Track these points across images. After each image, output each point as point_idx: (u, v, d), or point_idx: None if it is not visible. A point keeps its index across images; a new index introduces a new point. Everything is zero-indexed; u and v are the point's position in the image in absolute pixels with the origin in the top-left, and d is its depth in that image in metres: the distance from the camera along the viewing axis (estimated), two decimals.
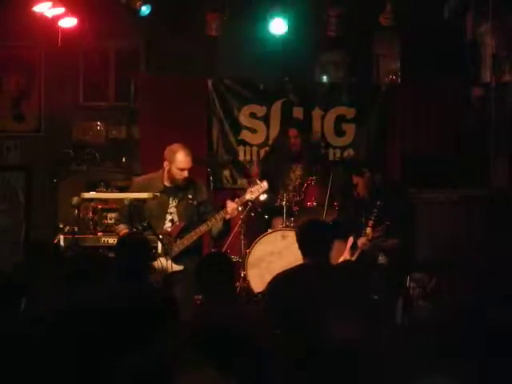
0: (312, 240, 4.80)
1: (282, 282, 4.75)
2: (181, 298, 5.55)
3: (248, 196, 6.46)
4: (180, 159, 6.27)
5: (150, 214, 6.21)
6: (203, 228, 6.25)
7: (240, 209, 6.97)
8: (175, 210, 6.31)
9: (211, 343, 3.02)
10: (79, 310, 3.60)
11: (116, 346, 3.21)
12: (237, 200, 6.40)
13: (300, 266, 4.81)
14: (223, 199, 6.61)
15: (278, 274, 4.82)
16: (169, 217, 6.30)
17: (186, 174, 6.27)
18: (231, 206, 6.31)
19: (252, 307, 6.68)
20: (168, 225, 6.27)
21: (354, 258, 6.57)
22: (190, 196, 6.32)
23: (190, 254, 6.18)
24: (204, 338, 3.04)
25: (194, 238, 6.23)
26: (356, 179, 7.04)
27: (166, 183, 6.35)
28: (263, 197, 7.05)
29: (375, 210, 6.56)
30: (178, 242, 6.17)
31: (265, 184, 6.49)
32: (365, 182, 7.00)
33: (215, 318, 3.78)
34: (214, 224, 6.31)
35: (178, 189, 6.33)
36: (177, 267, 6.05)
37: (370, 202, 6.75)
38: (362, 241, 6.61)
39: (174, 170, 6.28)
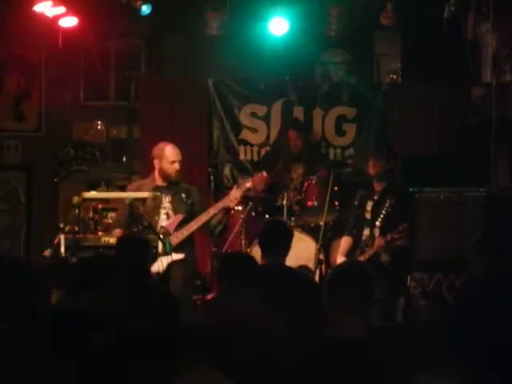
0: (270, 240, 4.85)
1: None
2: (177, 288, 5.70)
3: (249, 184, 6.52)
4: (169, 152, 6.40)
5: (145, 211, 6.23)
6: (204, 217, 6.28)
7: (239, 208, 6.99)
8: (169, 205, 6.36)
9: (212, 342, 3.02)
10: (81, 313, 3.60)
11: (117, 345, 3.22)
12: (239, 188, 6.48)
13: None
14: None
15: None
16: (163, 211, 6.34)
17: (177, 166, 6.38)
18: (234, 193, 6.38)
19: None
20: (163, 217, 6.31)
21: (363, 258, 6.37)
22: (184, 195, 6.39)
23: (184, 247, 6.21)
24: (206, 336, 3.05)
25: (194, 227, 6.27)
26: (371, 162, 6.63)
27: (158, 183, 6.43)
28: (262, 186, 7.10)
29: (383, 211, 6.37)
30: (176, 233, 6.19)
31: (264, 173, 6.59)
32: (378, 166, 6.58)
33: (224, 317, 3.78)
34: (215, 213, 6.32)
35: (171, 187, 6.39)
36: (176, 256, 6.05)
37: (379, 199, 6.55)
38: (379, 242, 6.31)
39: (166, 166, 6.37)
